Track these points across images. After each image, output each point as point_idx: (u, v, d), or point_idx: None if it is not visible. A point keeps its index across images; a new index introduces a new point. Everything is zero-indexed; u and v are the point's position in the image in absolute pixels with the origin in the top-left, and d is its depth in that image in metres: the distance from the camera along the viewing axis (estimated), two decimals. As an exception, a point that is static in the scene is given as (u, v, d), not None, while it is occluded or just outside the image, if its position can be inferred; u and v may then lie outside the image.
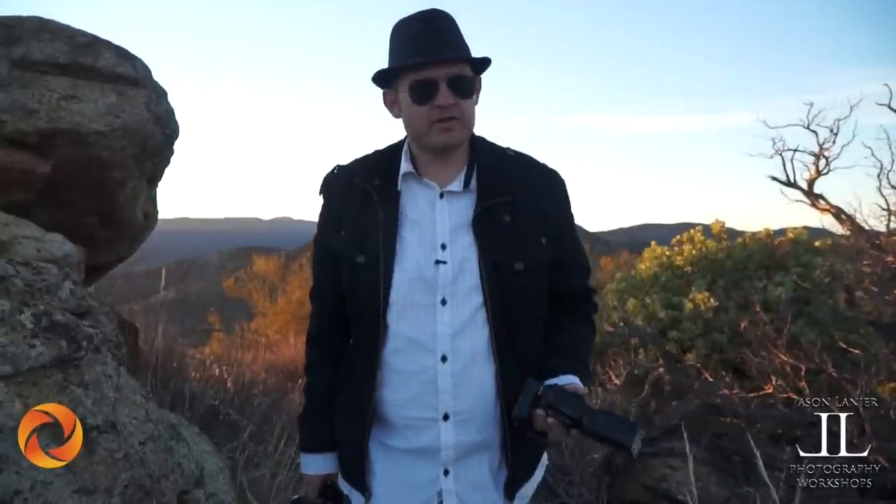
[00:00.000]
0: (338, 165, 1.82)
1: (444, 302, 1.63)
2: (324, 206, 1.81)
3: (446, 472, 1.67)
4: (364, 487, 1.73)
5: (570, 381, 1.60)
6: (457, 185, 1.69)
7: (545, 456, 1.88)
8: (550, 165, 1.82)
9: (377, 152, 1.80)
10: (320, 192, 1.82)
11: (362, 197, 1.71)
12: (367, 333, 1.69)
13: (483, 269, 1.62)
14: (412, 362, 1.65)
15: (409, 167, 1.71)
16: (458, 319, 1.63)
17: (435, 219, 1.68)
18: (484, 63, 1.68)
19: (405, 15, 1.66)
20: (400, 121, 1.71)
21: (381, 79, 1.70)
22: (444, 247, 1.65)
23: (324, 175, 1.83)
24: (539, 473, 1.83)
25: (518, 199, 1.68)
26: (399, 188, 1.71)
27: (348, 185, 1.75)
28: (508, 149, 1.80)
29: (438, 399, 1.64)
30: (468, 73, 1.64)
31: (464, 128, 1.66)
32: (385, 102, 1.72)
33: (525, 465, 1.76)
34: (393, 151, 1.77)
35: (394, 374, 1.68)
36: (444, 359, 1.63)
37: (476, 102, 1.69)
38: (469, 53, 1.65)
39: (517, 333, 1.66)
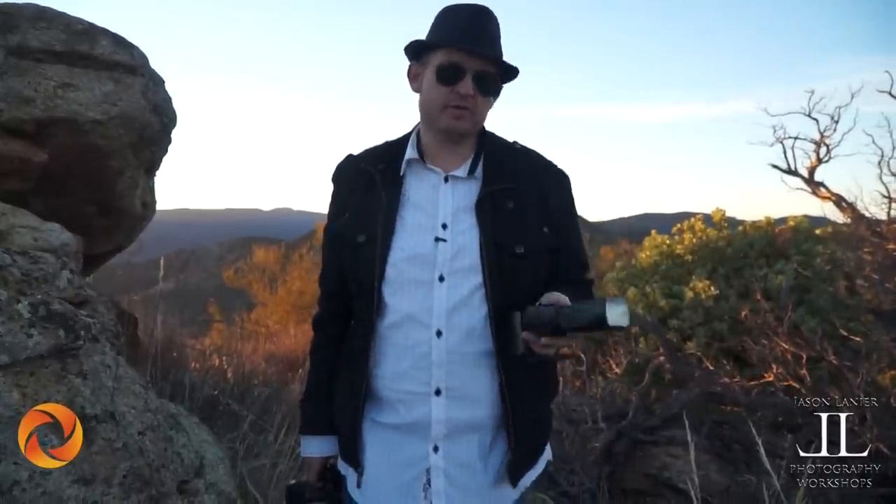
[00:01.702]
0: (349, 154, 1.87)
1: (441, 279, 1.65)
2: (333, 193, 1.86)
3: (436, 449, 1.67)
4: (358, 464, 1.74)
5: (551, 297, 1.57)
6: (462, 171, 1.73)
7: (548, 449, 1.87)
8: (558, 164, 1.85)
9: (387, 142, 1.85)
10: (332, 180, 1.86)
11: (367, 181, 1.75)
12: (364, 310, 1.71)
13: (483, 249, 1.64)
14: (407, 336, 1.67)
15: (414, 153, 1.75)
16: (455, 296, 1.65)
17: (438, 200, 1.71)
18: (512, 71, 1.72)
19: (456, 2, 1.70)
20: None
21: (413, 52, 1.74)
22: (444, 226, 1.68)
23: (336, 164, 1.88)
24: (541, 465, 1.83)
25: (522, 189, 1.71)
26: (402, 173, 1.74)
27: (356, 170, 1.80)
28: (515, 142, 1.83)
29: (431, 373, 1.65)
30: (495, 74, 1.68)
31: (473, 121, 1.70)
32: (409, 74, 1.76)
33: (527, 450, 1.76)
34: (401, 140, 1.81)
35: (389, 348, 1.69)
36: (438, 333, 1.64)
37: (491, 105, 1.73)
38: (500, 53, 1.69)
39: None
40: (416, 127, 1.81)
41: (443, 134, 1.73)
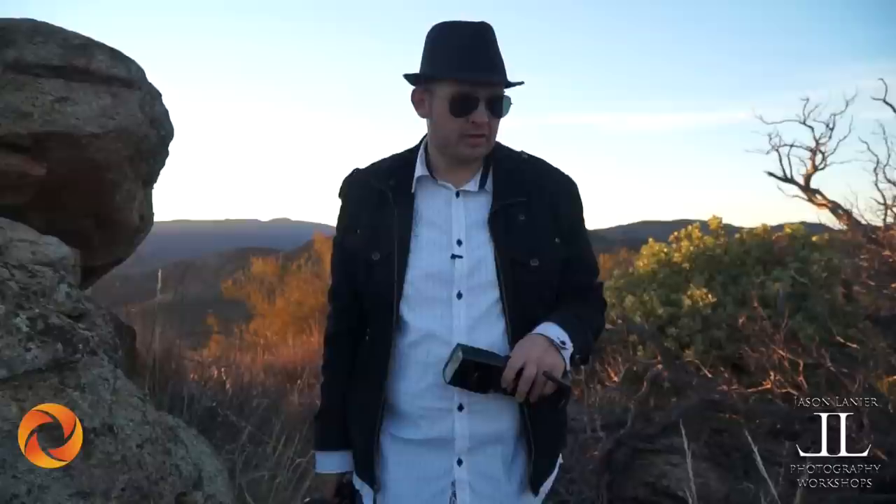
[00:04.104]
0: (356, 169, 1.87)
1: (459, 295, 1.67)
2: (341, 208, 1.86)
3: (460, 462, 1.69)
4: (374, 481, 1.75)
5: (543, 327, 1.62)
6: (472, 186, 1.74)
7: (560, 456, 1.90)
8: (564, 171, 1.87)
9: (393, 156, 1.85)
10: (339, 195, 1.87)
11: (378, 197, 1.75)
12: (381, 327, 1.72)
13: (499, 265, 1.66)
14: (428, 353, 1.68)
15: (424, 170, 1.76)
16: (474, 312, 1.66)
17: (451, 216, 1.73)
18: (518, 84, 1.72)
19: (450, 20, 1.69)
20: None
21: (415, 76, 1.73)
22: (459, 242, 1.69)
23: (343, 178, 1.88)
24: (556, 471, 1.86)
25: (533, 200, 1.72)
26: (413, 190, 1.75)
27: (365, 186, 1.80)
28: (523, 152, 1.84)
29: (454, 390, 1.66)
30: (505, 94, 1.69)
31: (489, 144, 1.72)
32: (413, 99, 1.75)
33: (547, 458, 1.78)
34: (409, 155, 1.82)
35: (410, 365, 1.71)
36: None
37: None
38: (506, 75, 1.69)
39: (532, 328, 1.67)
40: (422, 141, 1.82)
41: (458, 160, 1.73)
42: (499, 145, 1.81)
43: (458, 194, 1.74)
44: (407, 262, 1.68)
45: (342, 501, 1.85)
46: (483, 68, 1.63)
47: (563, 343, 1.60)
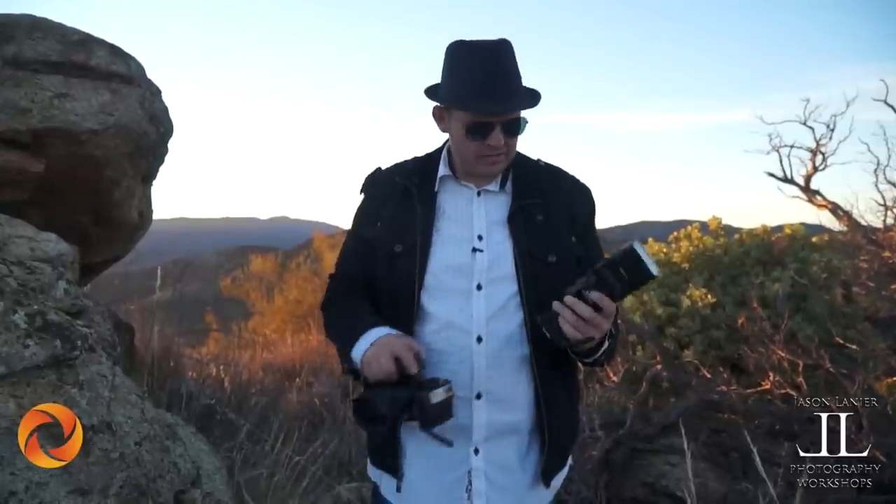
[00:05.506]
0: (379, 167, 1.94)
1: (479, 287, 1.72)
2: (363, 202, 1.92)
3: (476, 452, 1.74)
4: (396, 469, 1.78)
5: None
6: (494, 186, 1.81)
7: (569, 458, 1.93)
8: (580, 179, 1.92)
9: (416, 157, 1.92)
10: (361, 191, 1.92)
11: (402, 193, 1.82)
12: (402, 316, 1.75)
13: (518, 260, 1.72)
14: (448, 342, 1.72)
15: (447, 170, 1.83)
16: (493, 304, 1.72)
17: (472, 213, 1.79)
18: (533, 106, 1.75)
19: (468, 39, 1.70)
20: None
21: (433, 93, 1.78)
22: (480, 238, 1.76)
23: (366, 175, 1.93)
24: (566, 469, 1.91)
25: (550, 202, 1.79)
26: (436, 189, 1.81)
27: (388, 183, 1.86)
28: (539, 160, 1.92)
29: (473, 378, 1.71)
30: (520, 115, 1.72)
31: (507, 160, 1.77)
32: (434, 115, 1.80)
33: (559, 453, 1.82)
34: (431, 157, 1.89)
35: (429, 353, 1.72)
36: (479, 339, 1.71)
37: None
38: (524, 100, 1.70)
39: None
40: (445, 144, 1.88)
41: (477, 176, 1.80)
42: (517, 153, 1.86)
43: (479, 193, 1.81)
44: (429, 254, 1.73)
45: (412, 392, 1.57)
46: (499, 97, 1.65)
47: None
